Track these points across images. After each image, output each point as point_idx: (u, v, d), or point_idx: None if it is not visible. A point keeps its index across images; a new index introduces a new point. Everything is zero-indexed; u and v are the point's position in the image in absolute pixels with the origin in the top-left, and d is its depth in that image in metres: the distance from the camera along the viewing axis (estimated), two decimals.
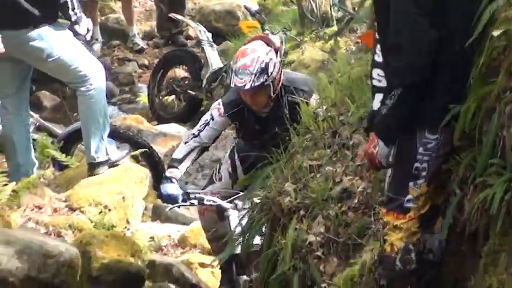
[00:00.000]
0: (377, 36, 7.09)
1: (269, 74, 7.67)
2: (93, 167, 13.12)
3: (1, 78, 12.44)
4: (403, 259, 6.24)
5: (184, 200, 7.86)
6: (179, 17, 19.96)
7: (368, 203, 8.33)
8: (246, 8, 18.62)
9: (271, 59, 7.58)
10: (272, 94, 7.98)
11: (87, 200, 12.82)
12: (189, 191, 8.03)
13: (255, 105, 8.01)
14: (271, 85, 7.92)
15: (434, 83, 6.51)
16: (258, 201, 9.37)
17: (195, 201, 7.99)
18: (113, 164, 13.25)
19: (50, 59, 11.88)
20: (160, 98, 19.15)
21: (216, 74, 17.55)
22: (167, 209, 8.89)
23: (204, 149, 8.33)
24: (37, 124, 15.37)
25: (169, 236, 13.70)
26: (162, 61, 19.73)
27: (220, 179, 8.93)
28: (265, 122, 8.01)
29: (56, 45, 11.62)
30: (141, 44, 22.70)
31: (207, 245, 12.77)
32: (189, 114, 18.46)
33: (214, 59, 17.61)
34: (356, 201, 8.46)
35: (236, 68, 7.74)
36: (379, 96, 6.86)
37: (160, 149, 15.47)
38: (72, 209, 12.79)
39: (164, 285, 11.81)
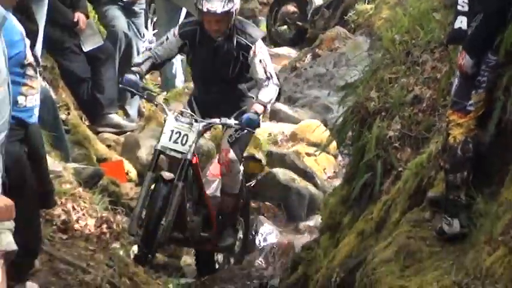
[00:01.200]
0: None
1: (234, 2, 7.48)
2: None
3: None
4: (463, 148, 6.54)
5: (138, 90, 7.68)
6: None
7: (434, 107, 8.52)
8: None
9: None
10: (230, 23, 7.67)
11: None
12: (143, 85, 7.89)
13: (216, 30, 7.62)
14: (233, 14, 7.64)
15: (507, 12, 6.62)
16: (351, 104, 9.47)
17: (146, 96, 7.99)
18: None
19: None
20: (276, 27, 18.93)
21: (317, 10, 17.59)
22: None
23: (154, 64, 7.92)
24: None
25: (283, 132, 13.61)
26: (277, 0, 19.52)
27: None
28: (215, 51, 7.64)
29: None
30: None
31: (312, 139, 13.09)
32: (297, 40, 18.49)
33: None
34: (424, 105, 8.58)
35: None
36: (461, 18, 6.96)
37: (275, 66, 14.86)
38: None
39: (280, 170, 11.74)
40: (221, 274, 9.75)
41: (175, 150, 7.45)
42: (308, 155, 13.02)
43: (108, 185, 9.47)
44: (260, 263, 10.16)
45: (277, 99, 14.52)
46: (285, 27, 19.04)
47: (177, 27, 7.86)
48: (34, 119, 5.90)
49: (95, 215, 8.57)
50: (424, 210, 7.60)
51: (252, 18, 19.22)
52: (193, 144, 7.50)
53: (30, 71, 5.79)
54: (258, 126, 8.00)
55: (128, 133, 11.24)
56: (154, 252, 8.23)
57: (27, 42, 5.81)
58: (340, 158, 12.06)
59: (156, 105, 8.15)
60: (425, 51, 9.15)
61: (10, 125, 5.38)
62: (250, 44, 7.73)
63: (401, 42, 9.74)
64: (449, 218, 7.01)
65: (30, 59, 5.77)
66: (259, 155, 11.10)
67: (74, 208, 8.44)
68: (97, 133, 10.85)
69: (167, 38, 7.76)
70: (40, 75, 6.61)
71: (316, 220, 11.08)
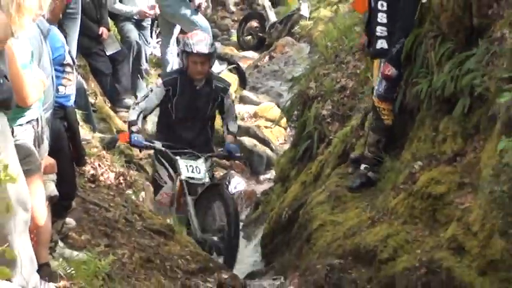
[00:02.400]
0: (385, 7, 7.18)
1: (214, 48, 7.22)
2: None
3: None
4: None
5: (146, 147, 7.34)
6: None
7: (355, 93, 8.81)
8: None
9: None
10: (210, 66, 7.25)
11: None
12: (149, 140, 7.44)
13: (200, 72, 7.02)
14: (213, 58, 7.30)
15: None
16: (296, 92, 9.80)
17: (152, 148, 7.45)
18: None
19: None
20: (243, 37, 18.74)
21: (273, 25, 17.69)
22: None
23: (144, 115, 7.44)
24: None
25: (248, 112, 13.72)
26: (244, 18, 19.32)
27: (165, 182, 7.72)
28: (198, 93, 7.14)
29: None
30: (234, 9, 21.80)
31: (269, 116, 13.19)
32: (259, 46, 18.30)
33: (272, 17, 17.74)
34: (348, 92, 8.83)
35: (193, 42, 6.95)
36: (382, 41, 7.13)
37: (242, 65, 15.53)
38: None
39: (246, 138, 11.84)
40: None
41: (196, 178, 7.11)
42: (266, 127, 13.19)
43: (123, 149, 9.48)
44: None
45: (244, 88, 14.72)
46: (250, 37, 18.58)
47: (159, 79, 7.34)
48: (71, 102, 5.98)
49: (114, 170, 8.73)
50: (347, 167, 7.79)
51: (226, 31, 19.51)
52: (206, 172, 7.17)
53: (68, 69, 5.88)
54: (238, 151, 7.66)
55: None
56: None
57: (67, 48, 5.90)
58: (288, 130, 12.16)
59: (161, 151, 7.37)
60: (349, 54, 9.51)
61: (54, 107, 5.49)
62: (227, 87, 7.45)
63: (331, 48, 10.18)
64: (368, 169, 7.25)
65: (68, 60, 5.87)
66: None
67: (99, 165, 8.56)
68: (116, 112, 10.90)
69: (151, 90, 7.28)
70: (75, 71, 6.63)
71: (271, 174, 11.24)
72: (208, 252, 7.02)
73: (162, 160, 7.54)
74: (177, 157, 7.07)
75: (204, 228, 7.06)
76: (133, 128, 7.07)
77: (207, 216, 7.18)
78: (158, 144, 7.15)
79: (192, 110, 7.25)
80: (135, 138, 7.05)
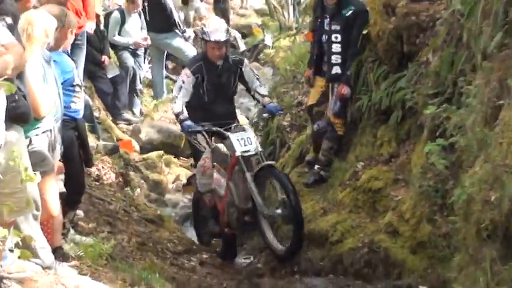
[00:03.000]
0: (339, 39, 7.06)
1: (230, 33, 6.52)
2: None
3: None
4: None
5: (197, 131, 6.34)
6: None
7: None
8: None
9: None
10: (227, 49, 6.53)
11: None
12: (200, 126, 6.35)
13: (219, 56, 6.37)
14: (229, 41, 6.68)
15: None
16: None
17: (204, 130, 6.36)
18: None
19: None
20: None
21: (242, 52, 17.18)
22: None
23: (185, 102, 6.51)
24: None
25: None
26: None
27: (204, 147, 6.78)
28: (220, 71, 6.43)
29: None
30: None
31: None
32: None
33: (242, 46, 17.30)
34: (303, 107, 8.42)
35: (210, 31, 6.27)
36: (336, 67, 6.93)
37: None
38: None
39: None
40: None
41: (250, 151, 6.13)
42: None
43: (123, 154, 9.21)
44: None
45: None
46: None
47: (186, 69, 6.54)
48: (80, 116, 5.83)
49: (115, 171, 8.57)
50: (303, 167, 7.70)
51: None
52: (257, 141, 6.31)
53: (77, 88, 5.74)
54: (282, 109, 6.84)
55: (134, 124, 10.96)
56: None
57: (75, 72, 5.70)
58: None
59: (214, 133, 6.47)
60: (303, 76, 8.80)
61: (66, 120, 5.42)
62: (242, 59, 6.75)
63: (290, 71, 10.07)
64: (320, 168, 7.18)
65: (77, 81, 5.76)
66: None
67: (103, 167, 8.41)
68: (116, 124, 10.58)
69: (183, 82, 6.46)
70: (83, 91, 6.50)
71: None
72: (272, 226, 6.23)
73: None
74: (228, 133, 6.21)
75: (266, 204, 6.18)
76: (182, 117, 6.33)
77: (266, 192, 6.36)
78: (209, 126, 6.33)
79: (220, 88, 6.59)
80: (187, 124, 6.27)
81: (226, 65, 6.40)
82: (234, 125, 6.40)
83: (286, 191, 5.97)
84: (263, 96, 6.51)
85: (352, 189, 6.62)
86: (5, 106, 4.11)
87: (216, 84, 6.44)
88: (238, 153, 6.02)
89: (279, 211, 6.01)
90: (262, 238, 6.31)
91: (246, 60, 6.60)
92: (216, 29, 6.22)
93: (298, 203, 6.05)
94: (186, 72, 6.39)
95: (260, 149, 6.20)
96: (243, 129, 6.27)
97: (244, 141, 6.08)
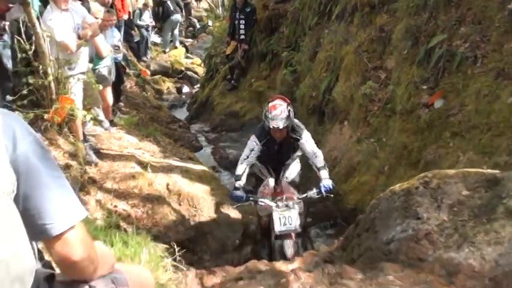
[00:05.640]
0: (242, 22, 8.88)
1: (290, 118, 5.71)
2: None
3: None
4: None
5: (246, 200, 5.80)
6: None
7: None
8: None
9: (289, 110, 5.73)
10: (288, 131, 5.87)
11: None
12: (248, 195, 5.81)
13: (279, 136, 5.84)
14: (290, 126, 5.79)
15: None
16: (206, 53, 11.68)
17: (252, 202, 5.90)
18: None
19: None
20: (187, 32, 20.68)
21: (198, 29, 20.70)
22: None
23: (251, 165, 6.01)
24: None
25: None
26: (187, 26, 20.87)
27: (266, 176, 6.41)
28: (280, 145, 5.97)
29: None
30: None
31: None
32: (193, 37, 20.51)
33: (197, 26, 20.75)
34: (225, 54, 10.75)
35: (271, 116, 5.65)
36: (242, 36, 8.95)
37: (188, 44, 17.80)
38: None
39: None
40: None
41: (288, 230, 5.67)
42: None
43: (142, 77, 12.00)
44: None
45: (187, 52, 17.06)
46: (190, 33, 20.79)
47: (256, 139, 5.95)
48: (119, 60, 7.41)
49: (137, 85, 11.27)
50: (225, 84, 10.05)
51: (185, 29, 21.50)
52: (297, 220, 5.73)
53: (116, 47, 7.12)
54: (333, 188, 5.88)
55: (147, 62, 14.58)
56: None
57: (117, 38, 7.23)
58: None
59: (262, 203, 5.90)
60: (223, 43, 11.49)
61: (115, 61, 6.79)
62: (299, 137, 5.90)
63: (219, 37, 13.09)
64: (233, 81, 9.01)
65: (117, 43, 7.12)
66: None
67: (132, 83, 11.08)
68: (138, 62, 13.94)
69: (252, 149, 5.92)
70: (122, 47, 8.10)
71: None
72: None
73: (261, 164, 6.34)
74: (273, 206, 5.79)
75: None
76: (236, 184, 5.82)
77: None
78: (256, 198, 5.92)
79: (277, 159, 6.27)
80: (235, 195, 5.76)
81: (286, 141, 6.01)
82: (284, 196, 5.99)
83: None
84: (319, 169, 5.94)
85: None
86: (89, 54, 5.83)
87: (273, 155, 6.14)
88: (276, 231, 5.74)
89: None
90: None
91: (304, 135, 6.04)
92: (276, 115, 5.72)
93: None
94: (255, 140, 5.99)
95: (299, 229, 5.75)
96: (287, 206, 5.79)
97: (285, 220, 5.77)
